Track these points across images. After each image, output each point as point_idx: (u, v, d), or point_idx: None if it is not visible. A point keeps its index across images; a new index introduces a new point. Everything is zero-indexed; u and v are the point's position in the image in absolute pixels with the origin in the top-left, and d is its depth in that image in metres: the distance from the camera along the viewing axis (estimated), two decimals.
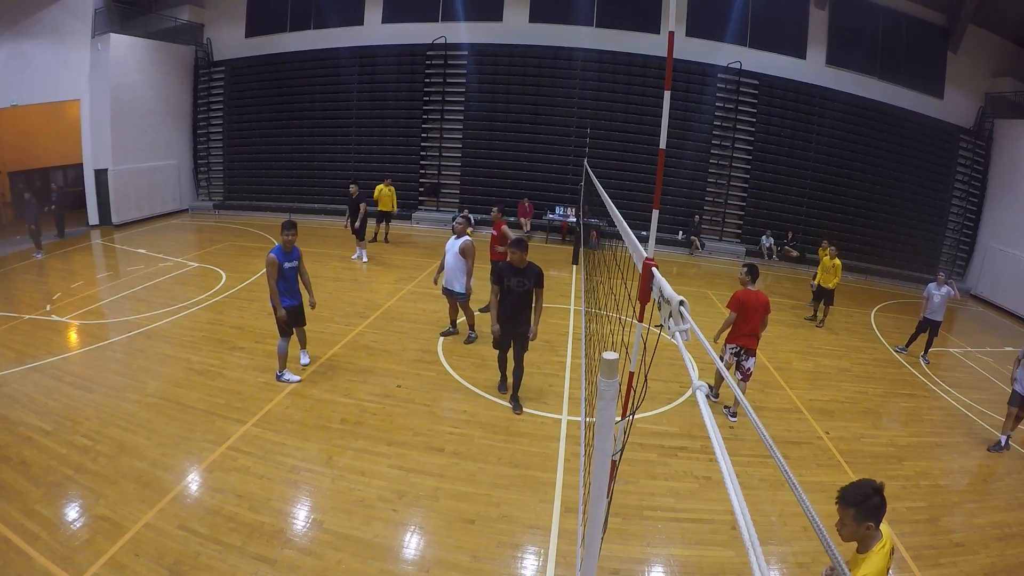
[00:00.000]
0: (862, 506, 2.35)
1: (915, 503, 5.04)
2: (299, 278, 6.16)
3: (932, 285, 8.88)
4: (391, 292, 9.71)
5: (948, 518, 4.89)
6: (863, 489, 2.37)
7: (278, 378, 6.20)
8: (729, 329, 6.15)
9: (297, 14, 16.96)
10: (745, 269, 6.18)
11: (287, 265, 5.92)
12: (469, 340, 7.69)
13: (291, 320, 6.06)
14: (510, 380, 6.07)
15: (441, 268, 7.37)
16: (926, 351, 9.07)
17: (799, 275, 14.01)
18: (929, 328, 8.95)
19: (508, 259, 5.70)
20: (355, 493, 4.49)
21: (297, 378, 6.24)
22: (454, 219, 15.35)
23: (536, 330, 5.74)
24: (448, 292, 7.42)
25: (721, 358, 6.20)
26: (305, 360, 6.64)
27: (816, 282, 10.26)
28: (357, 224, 11.32)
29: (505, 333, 5.77)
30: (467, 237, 7.18)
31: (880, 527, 2.40)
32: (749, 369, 6.13)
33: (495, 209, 8.67)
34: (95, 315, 8.18)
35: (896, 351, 9.29)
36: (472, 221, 8.03)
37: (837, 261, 9.96)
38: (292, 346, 6.35)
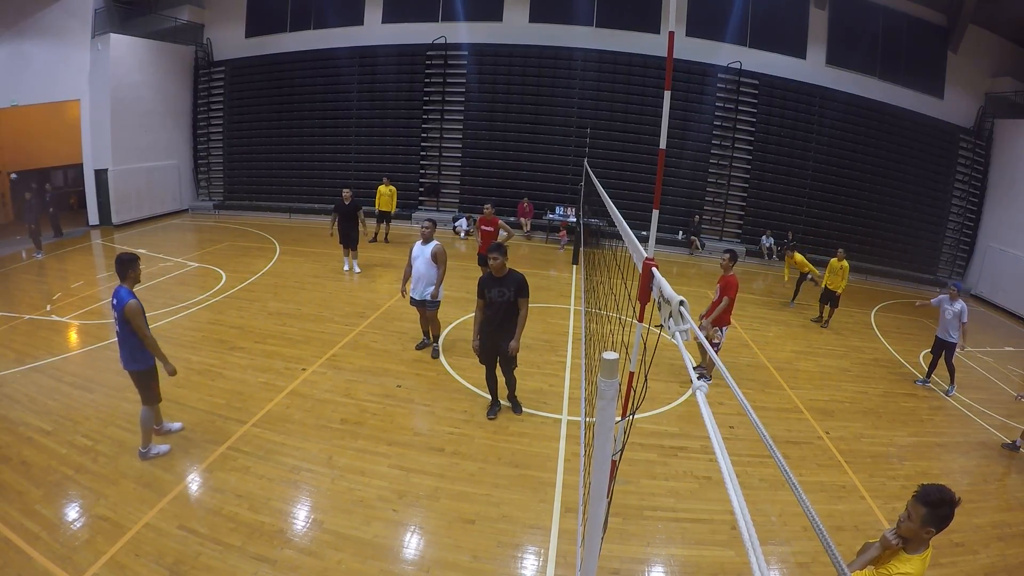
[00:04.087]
0: (936, 511, 2.32)
1: None
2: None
3: (944, 298, 7.72)
4: (391, 292, 9.70)
5: None
6: (944, 496, 2.33)
7: (144, 455, 4.73)
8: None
9: (297, 14, 16.96)
10: (728, 255, 6.77)
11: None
12: (434, 355, 7.17)
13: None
14: (506, 389, 5.84)
15: (407, 277, 6.89)
16: (929, 374, 7.96)
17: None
18: (944, 350, 7.72)
19: (488, 268, 5.34)
20: (355, 493, 4.49)
21: (167, 447, 4.90)
22: (455, 220, 15.43)
23: (516, 344, 5.28)
24: (418, 303, 6.90)
25: (713, 341, 6.69)
26: (179, 425, 5.26)
27: (823, 284, 10.20)
28: (362, 230, 10.77)
29: (490, 348, 5.42)
30: (436, 242, 6.76)
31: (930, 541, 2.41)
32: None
33: (488, 206, 8.97)
34: (95, 315, 8.17)
35: (916, 383, 7.99)
36: (436, 225, 7.53)
37: (845, 263, 9.90)
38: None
